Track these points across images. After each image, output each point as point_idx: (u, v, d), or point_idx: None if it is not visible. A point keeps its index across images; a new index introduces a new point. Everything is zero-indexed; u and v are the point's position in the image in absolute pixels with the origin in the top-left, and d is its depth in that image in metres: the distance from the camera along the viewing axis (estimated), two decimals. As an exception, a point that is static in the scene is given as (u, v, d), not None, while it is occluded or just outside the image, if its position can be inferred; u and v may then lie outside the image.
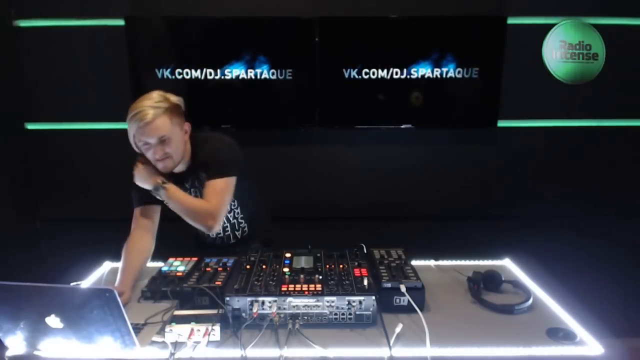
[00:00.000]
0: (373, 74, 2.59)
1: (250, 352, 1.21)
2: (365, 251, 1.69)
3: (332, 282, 1.42)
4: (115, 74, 2.57)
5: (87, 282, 1.71)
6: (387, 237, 2.68)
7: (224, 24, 2.54)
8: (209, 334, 1.23)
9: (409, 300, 1.40)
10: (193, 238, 1.99)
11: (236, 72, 2.57)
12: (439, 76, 2.60)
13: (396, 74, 2.59)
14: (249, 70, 2.57)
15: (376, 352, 1.22)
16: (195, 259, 1.69)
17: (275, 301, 1.33)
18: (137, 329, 1.29)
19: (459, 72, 2.60)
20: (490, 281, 1.57)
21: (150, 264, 1.75)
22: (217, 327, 1.26)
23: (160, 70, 2.56)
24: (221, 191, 1.69)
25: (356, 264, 1.55)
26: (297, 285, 1.39)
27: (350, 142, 2.76)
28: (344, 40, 2.58)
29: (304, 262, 1.58)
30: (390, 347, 1.21)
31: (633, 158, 2.78)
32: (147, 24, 2.57)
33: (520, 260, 1.84)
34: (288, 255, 1.65)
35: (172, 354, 1.19)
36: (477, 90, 2.65)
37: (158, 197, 1.66)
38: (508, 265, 1.84)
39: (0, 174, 2.63)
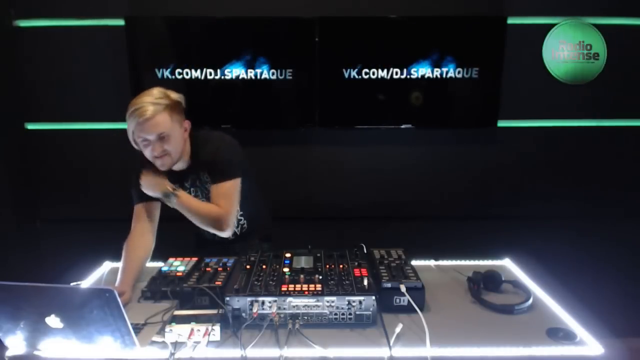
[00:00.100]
0: (373, 74, 2.59)
1: (250, 352, 1.21)
2: (365, 251, 1.69)
3: (332, 282, 1.42)
4: (115, 74, 2.57)
5: (87, 282, 1.71)
6: (387, 237, 2.69)
7: (224, 24, 2.54)
8: (209, 334, 1.23)
9: (409, 300, 1.40)
10: (194, 235, 1.99)
11: (236, 72, 2.57)
12: (439, 76, 2.60)
13: (396, 74, 2.59)
14: (249, 70, 2.57)
15: (376, 352, 1.22)
16: (195, 259, 1.69)
17: (275, 301, 1.33)
18: (137, 329, 1.29)
19: (459, 72, 2.60)
20: (490, 281, 1.57)
21: (150, 264, 1.75)
22: (217, 327, 1.26)
23: (160, 70, 2.56)
24: (230, 194, 1.70)
25: (356, 264, 1.55)
26: (297, 285, 1.39)
27: (350, 142, 2.76)
28: (344, 40, 2.57)
29: (304, 262, 1.58)
30: (390, 347, 1.21)
31: (633, 158, 2.78)
32: (147, 24, 2.57)
33: (520, 260, 1.84)
34: (288, 255, 1.65)
35: (172, 354, 1.19)
36: (477, 90, 2.65)
37: (168, 204, 1.66)
38: (508, 265, 1.84)
39: (0, 174, 2.63)
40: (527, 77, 2.66)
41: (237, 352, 1.21)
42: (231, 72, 2.57)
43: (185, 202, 1.66)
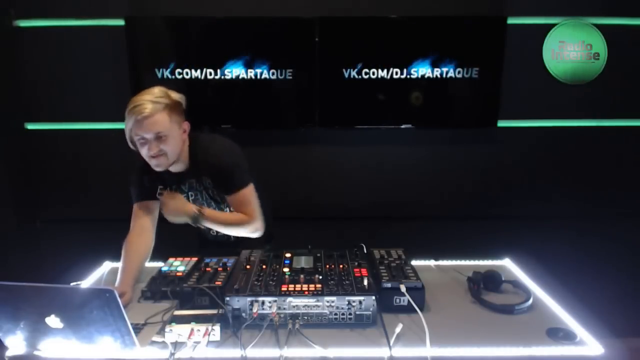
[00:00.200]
0: (373, 74, 2.59)
1: (250, 352, 1.21)
2: (365, 251, 1.69)
3: (332, 282, 1.42)
4: (115, 74, 2.57)
5: (87, 282, 1.71)
6: (387, 237, 2.69)
7: (224, 24, 2.54)
8: (209, 334, 1.23)
9: (409, 300, 1.40)
10: (196, 235, 1.99)
11: (236, 72, 2.57)
12: (439, 76, 2.60)
13: (396, 74, 2.59)
14: (249, 70, 2.57)
15: (376, 352, 1.22)
16: (195, 259, 1.69)
17: (275, 301, 1.33)
18: (137, 329, 1.29)
19: (459, 72, 2.60)
20: (490, 281, 1.57)
21: (150, 264, 1.75)
22: (217, 327, 1.26)
23: (160, 70, 2.56)
24: (249, 200, 1.75)
25: (356, 264, 1.55)
26: (297, 285, 1.39)
27: (350, 142, 2.76)
28: (344, 40, 2.57)
29: (304, 262, 1.58)
30: (390, 347, 1.21)
31: (633, 158, 2.78)
32: (147, 24, 2.57)
33: (520, 260, 1.84)
34: (288, 255, 1.65)
35: (172, 354, 1.19)
36: (477, 90, 2.64)
37: (197, 225, 1.70)
38: (508, 265, 1.84)
39: (0, 174, 2.63)
40: (527, 77, 2.66)
41: (237, 352, 1.21)
42: (231, 72, 2.57)
43: (212, 217, 1.71)
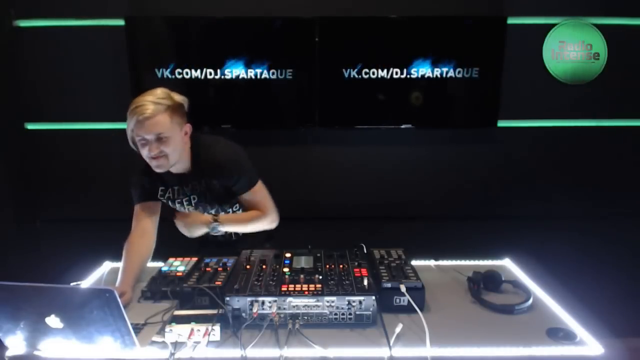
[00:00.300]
0: (373, 73, 2.59)
1: (250, 352, 1.21)
2: (365, 251, 1.69)
3: (332, 282, 1.42)
4: (115, 74, 2.57)
5: (87, 282, 1.71)
6: (387, 237, 2.69)
7: (224, 24, 2.54)
8: (209, 334, 1.23)
9: (409, 300, 1.40)
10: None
11: (236, 72, 2.57)
12: (439, 76, 2.60)
13: (396, 74, 2.59)
14: (249, 70, 2.57)
15: (376, 352, 1.22)
16: (195, 259, 1.69)
17: (275, 301, 1.33)
18: (137, 329, 1.29)
19: (459, 72, 2.60)
20: (490, 281, 1.57)
21: (150, 264, 1.75)
22: (217, 327, 1.26)
23: (160, 70, 2.56)
24: (261, 197, 1.82)
25: (356, 264, 1.55)
26: (297, 285, 1.39)
27: (350, 142, 2.76)
28: (344, 40, 2.57)
29: (304, 262, 1.58)
30: (390, 347, 1.21)
31: (633, 158, 2.78)
32: (147, 24, 2.57)
33: (520, 260, 1.84)
34: (288, 255, 1.65)
35: (172, 354, 1.19)
36: (477, 90, 2.64)
37: (215, 233, 1.75)
38: (508, 265, 1.84)
39: (0, 174, 2.63)
40: (527, 77, 2.66)
41: (237, 352, 1.21)
42: (231, 72, 2.57)
43: (229, 221, 1.78)
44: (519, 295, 1.53)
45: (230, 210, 1.88)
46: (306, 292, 1.35)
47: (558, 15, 2.61)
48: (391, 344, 1.23)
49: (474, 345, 1.25)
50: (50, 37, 2.58)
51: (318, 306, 1.34)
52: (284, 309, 1.34)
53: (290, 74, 2.58)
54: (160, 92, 1.59)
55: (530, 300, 1.46)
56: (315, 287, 1.38)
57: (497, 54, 2.57)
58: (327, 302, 1.34)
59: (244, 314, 1.33)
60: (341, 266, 1.54)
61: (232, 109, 2.69)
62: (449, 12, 2.57)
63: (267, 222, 1.85)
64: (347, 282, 1.42)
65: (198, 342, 1.23)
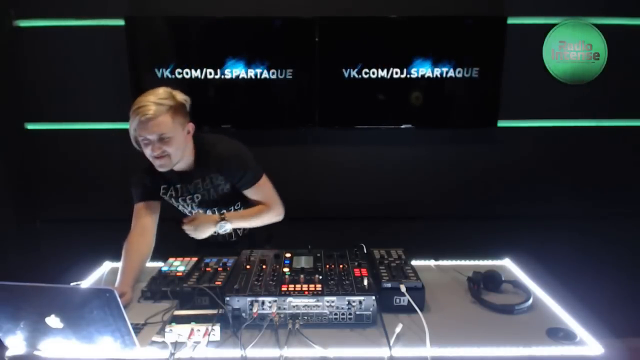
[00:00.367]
0: (373, 73, 2.59)
1: (250, 352, 1.21)
2: (365, 251, 1.69)
3: (332, 282, 1.42)
4: (115, 74, 2.57)
5: (87, 282, 1.71)
6: (387, 237, 2.69)
7: (224, 24, 2.54)
8: (209, 334, 1.23)
9: (409, 300, 1.40)
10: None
11: (236, 72, 2.57)
12: (438, 76, 2.60)
13: (396, 74, 2.59)
14: (248, 70, 2.57)
15: (376, 352, 1.22)
16: (195, 259, 1.70)
17: (275, 301, 1.33)
18: (137, 329, 1.29)
19: (459, 72, 2.60)
20: (490, 281, 1.57)
21: (150, 264, 1.75)
22: (217, 327, 1.26)
23: (160, 70, 2.56)
24: (267, 190, 1.84)
25: (356, 264, 1.55)
26: (297, 285, 1.39)
27: (350, 142, 2.76)
28: (344, 40, 2.57)
29: (304, 262, 1.58)
30: (390, 347, 1.21)
31: (633, 158, 2.78)
32: (147, 24, 2.56)
33: (520, 260, 1.84)
34: (288, 255, 1.65)
35: (172, 354, 1.19)
36: (477, 90, 2.64)
37: (224, 232, 1.76)
38: (508, 265, 1.84)
39: (0, 174, 2.63)
40: (527, 77, 2.66)
41: (237, 352, 1.21)
42: (231, 72, 2.57)
43: (237, 218, 1.79)
44: (519, 295, 1.53)
45: (233, 208, 1.88)
46: (306, 292, 1.35)
47: (558, 15, 2.61)
48: (391, 344, 1.23)
49: (474, 345, 1.25)
50: (50, 37, 2.58)
51: (318, 306, 1.34)
52: (284, 309, 1.34)
53: (290, 74, 2.58)
54: (162, 91, 1.60)
55: (530, 300, 1.46)
56: (315, 287, 1.38)
57: (497, 54, 2.57)
58: (327, 302, 1.34)
59: (244, 314, 1.33)
60: (341, 266, 1.54)
61: (232, 109, 2.69)
62: (449, 12, 2.57)
63: (274, 215, 1.86)
64: (347, 282, 1.42)
65: (198, 342, 1.23)
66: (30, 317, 1.18)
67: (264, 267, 1.54)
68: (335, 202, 2.79)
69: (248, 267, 1.54)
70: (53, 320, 1.16)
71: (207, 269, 1.60)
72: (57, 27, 2.57)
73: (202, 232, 1.74)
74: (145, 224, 1.74)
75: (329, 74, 2.59)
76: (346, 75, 2.59)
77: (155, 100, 1.56)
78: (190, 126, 1.69)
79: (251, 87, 2.59)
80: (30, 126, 2.71)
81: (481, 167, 2.79)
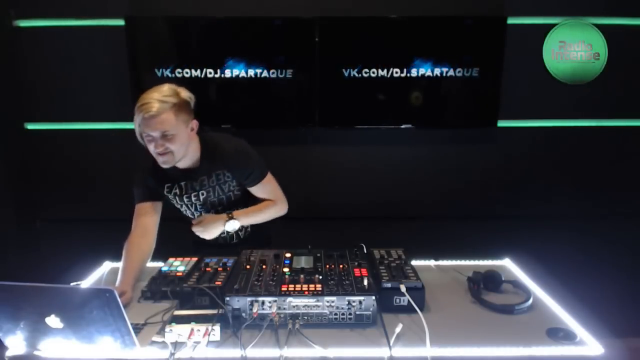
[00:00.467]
0: (373, 73, 2.59)
1: (250, 352, 1.21)
2: (365, 251, 1.69)
3: (332, 282, 1.42)
4: (115, 74, 2.57)
5: (87, 282, 1.71)
6: (387, 237, 2.69)
7: (224, 24, 2.54)
8: (209, 334, 1.23)
9: (409, 300, 1.40)
10: (193, 240, 1.99)
11: (236, 71, 2.57)
12: (438, 76, 2.60)
13: (396, 73, 2.59)
14: (248, 70, 2.57)
15: (376, 352, 1.22)
16: (195, 259, 1.69)
17: (275, 301, 1.33)
18: (137, 329, 1.29)
19: (459, 72, 2.60)
20: (490, 281, 1.57)
21: (150, 264, 1.75)
22: (217, 327, 1.26)
23: (160, 70, 2.56)
24: (271, 187, 1.87)
25: (356, 264, 1.55)
26: (297, 285, 1.39)
27: (350, 142, 2.76)
28: (344, 40, 2.57)
29: (304, 262, 1.58)
30: (390, 347, 1.21)
31: (633, 158, 2.78)
32: (147, 24, 2.56)
33: (520, 260, 1.84)
34: (288, 255, 1.65)
35: (172, 354, 1.19)
36: (477, 90, 2.64)
37: (232, 230, 1.80)
38: (508, 265, 1.84)
39: (0, 174, 2.63)
40: (527, 77, 2.66)
41: (237, 352, 1.21)
42: (231, 71, 2.57)
43: (244, 215, 1.81)
44: (519, 295, 1.53)
45: (236, 207, 1.88)
46: (306, 292, 1.35)
47: (558, 15, 2.61)
48: (391, 344, 1.23)
49: (474, 345, 1.25)
50: (50, 37, 2.58)
51: (318, 306, 1.34)
52: (284, 309, 1.34)
53: (290, 73, 2.58)
54: (167, 88, 1.60)
55: (530, 300, 1.46)
56: (315, 287, 1.38)
57: (497, 54, 2.57)
58: (327, 302, 1.34)
59: (244, 314, 1.33)
60: (341, 266, 1.54)
61: (232, 109, 2.69)
62: (449, 12, 2.57)
63: (279, 209, 1.89)
64: (347, 282, 1.42)
65: (198, 342, 1.23)
66: (30, 317, 1.18)
67: (264, 267, 1.54)
68: (335, 202, 2.79)
69: (248, 267, 1.54)
70: (53, 320, 1.16)
71: (207, 269, 1.60)
72: (57, 27, 2.57)
73: (212, 232, 1.75)
74: (146, 224, 1.74)
75: (329, 73, 2.59)
76: (346, 75, 2.59)
77: (159, 97, 1.56)
78: (195, 123, 1.69)
79: (251, 87, 2.59)
80: (30, 126, 2.71)
81: (481, 167, 2.79)
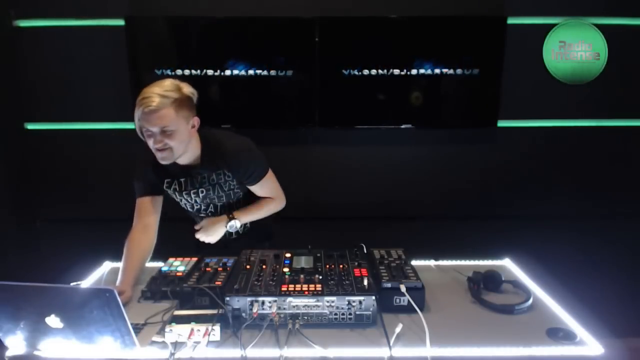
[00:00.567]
0: (373, 73, 2.59)
1: (250, 352, 1.21)
2: (365, 251, 1.69)
3: (332, 282, 1.42)
4: (115, 74, 2.57)
5: (87, 282, 1.71)
6: (387, 237, 2.67)
7: (224, 24, 2.54)
8: (209, 334, 1.23)
9: (409, 300, 1.40)
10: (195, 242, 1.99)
11: (236, 71, 2.57)
12: (439, 76, 2.60)
13: (396, 73, 2.59)
14: (249, 70, 2.57)
15: (376, 352, 1.22)
16: (195, 259, 1.69)
17: (275, 301, 1.33)
18: (137, 329, 1.29)
19: (459, 72, 2.60)
20: (490, 281, 1.57)
21: (150, 264, 1.75)
22: (217, 327, 1.26)
23: (160, 70, 2.56)
24: (271, 185, 1.88)
25: (356, 264, 1.55)
26: (297, 285, 1.39)
27: (350, 142, 2.76)
28: (344, 40, 2.57)
29: (304, 262, 1.58)
30: (390, 347, 1.21)
31: (633, 158, 2.78)
32: (147, 24, 2.56)
33: (520, 260, 1.84)
34: (288, 255, 1.65)
35: (172, 354, 1.19)
36: (477, 90, 2.64)
37: (235, 230, 1.83)
38: (508, 265, 1.84)
39: (0, 174, 2.63)
40: (527, 77, 2.66)
41: (237, 352, 1.21)
42: (231, 71, 2.57)
43: (246, 214, 1.83)
44: (519, 295, 1.53)
45: (235, 205, 1.88)
46: (306, 292, 1.35)
47: (558, 15, 2.61)
48: (391, 344, 1.23)
49: (474, 345, 1.25)
50: (50, 37, 2.58)
51: (318, 306, 1.34)
52: (284, 309, 1.34)
53: (290, 73, 2.58)
54: (168, 83, 1.58)
55: (530, 300, 1.46)
56: (315, 287, 1.38)
57: (497, 54, 2.57)
58: (327, 302, 1.34)
59: (244, 314, 1.33)
60: (341, 266, 1.54)
61: (232, 109, 2.69)
62: (449, 12, 2.57)
63: (277, 205, 1.93)
64: (347, 282, 1.41)
65: (198, 342, 1.23)
66: (30, 317, 1.18)
67: (264, 267, 1.54)
68: (335, 202, 2.79)
69: (248, 267, 1.54)
70: (53, 320, 1.16)
71: (207, 269, 1.60)
72: (57, 27, 2.57)
73: (215, 235, 1.78)
74: (147, 220, 1.74)
75: (329, 73, 2.59)
76: (346, 75, 2.59)
77: (160, 92, 1.54)
78: (196, 120, 1.66)
79: (251, 87, 2.59)
80: (30, 126, 2.71)
81: (481, 167, 2.79)
